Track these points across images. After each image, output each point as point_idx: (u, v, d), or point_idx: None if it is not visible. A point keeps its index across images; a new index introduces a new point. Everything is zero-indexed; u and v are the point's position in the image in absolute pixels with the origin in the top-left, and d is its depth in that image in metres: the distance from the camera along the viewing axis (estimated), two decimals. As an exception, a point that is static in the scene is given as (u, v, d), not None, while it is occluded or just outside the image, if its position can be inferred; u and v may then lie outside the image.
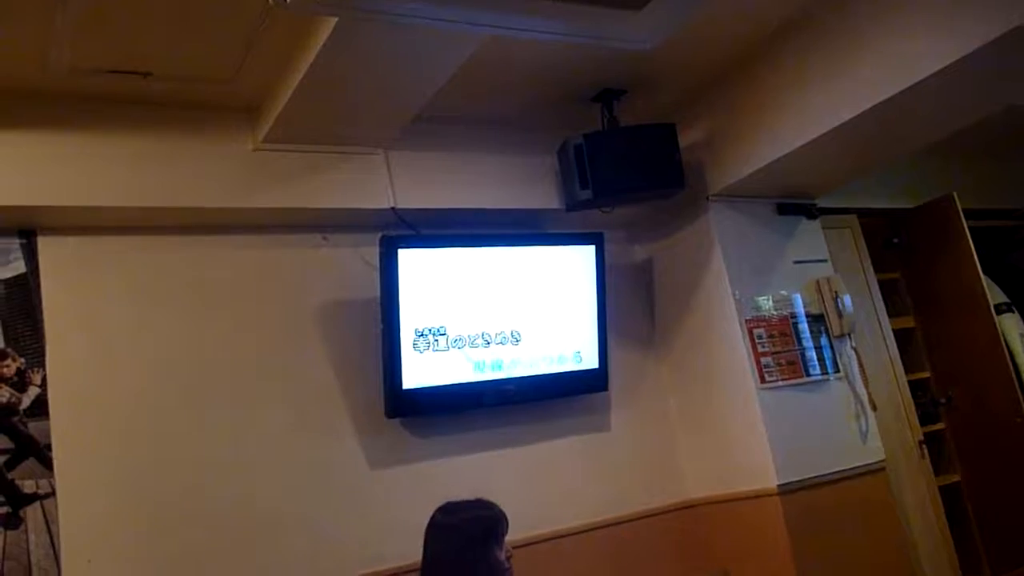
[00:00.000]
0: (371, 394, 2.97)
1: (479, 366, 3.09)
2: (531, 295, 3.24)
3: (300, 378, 2.92)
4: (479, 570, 2.21)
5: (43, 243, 2.65)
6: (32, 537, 2.44)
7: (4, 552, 2.40)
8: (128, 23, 2.29)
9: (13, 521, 2.44)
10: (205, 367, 2.79)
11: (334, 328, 3.02)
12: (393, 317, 2.92)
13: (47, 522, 2.47)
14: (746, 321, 3.43)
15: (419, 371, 2.96)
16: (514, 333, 3.18)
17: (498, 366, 3.13)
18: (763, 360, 3.40)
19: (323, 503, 2.84)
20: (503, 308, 3.17)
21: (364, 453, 2.96)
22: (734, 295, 3.43)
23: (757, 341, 3.42)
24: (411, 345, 2.95)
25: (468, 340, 3.07)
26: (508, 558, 2.26)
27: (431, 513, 2.31)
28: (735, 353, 3.41)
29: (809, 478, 3.33)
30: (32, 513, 2.46)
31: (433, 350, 3.00)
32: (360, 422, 2.97)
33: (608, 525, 3.31)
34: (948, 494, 4.10)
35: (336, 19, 2.18)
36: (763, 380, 3.37)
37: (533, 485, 3.22)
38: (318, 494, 2.84)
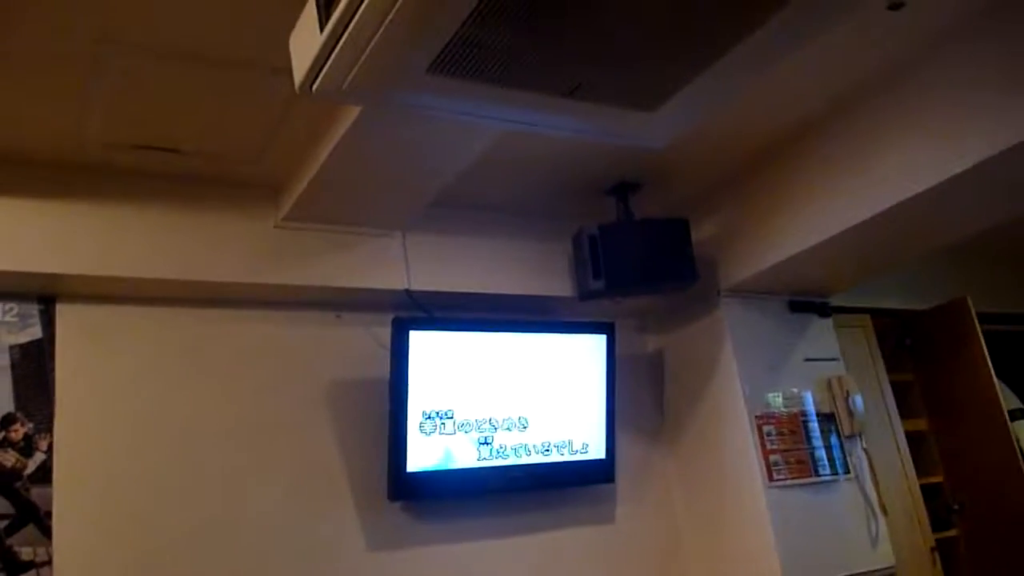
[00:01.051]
0: (374, 474, 2.95)
1: (485, 451, 3.07)
2: (540, 382, 3.24)
3: (307, 454, 2.92)
4: None
5: (61, 310, 2.70)
6: (25, 606, 2.42)
7: (-4, 621, 2.38)
8: (159, 102, 2.38)
9: (7, 589, 2.43)
10: (214, 442, 2.79)
11: (342, 406, 3.03)
12: (401, 398, 2.93)
13: (42, 591, 2.45)
14: (755, 417, 3.41)
15: (424, 454, 2.95)
16: (522, 420, 3.17)
17: (504, 453, 3.11)
18: (771, 458, 3.37)
19: (320, 584, 2.81)
20: (512, 394, 3.16)
21: (364, 534, 2.93)
22: (744, 391, 3.42)
23: (766, 438, 3.39)
24: (418, 427, 2.94)
25: (475, 425, 3.06)
26: None
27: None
28: (744, 449, 3.38)
29: (817, 582, 3.26)
30: (27, 582, 2.45)
31: (440, 433, 2.99)
32: (361, 502, 2.95)
33: (609, 621, 3.25)
34: (961, 605, 4.00)
35: (360, 108, 2.26)
36: (771, 478, 3.33)
37: (535, 573, 3.17)
38: (315, 572, 2.81)
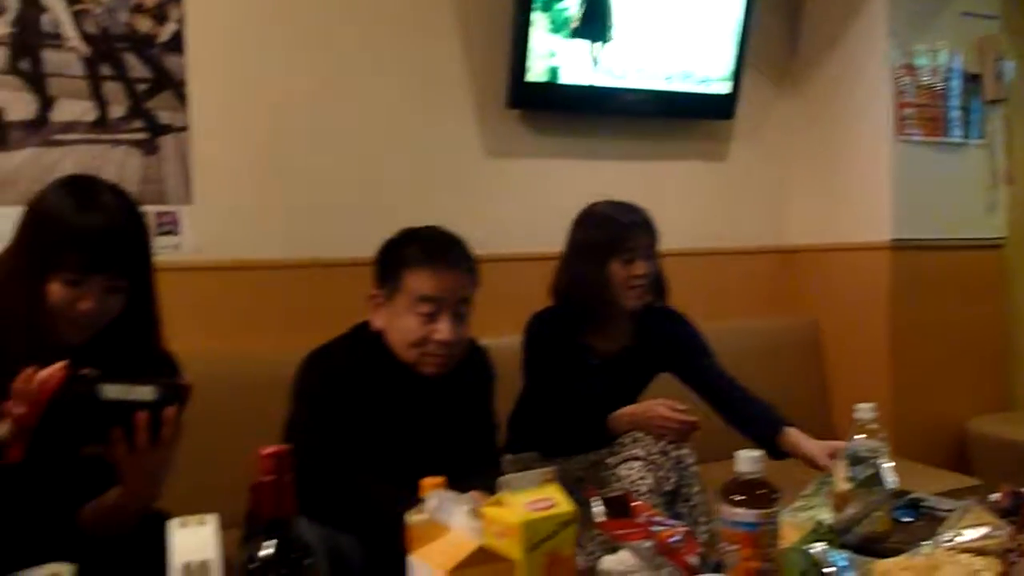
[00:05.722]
0: (495, 81, 2.93)
1: (605, 70, 2.99)
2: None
3: (426, 55, 2.88)
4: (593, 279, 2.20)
5: None
6: (167, 165, 2.59)
7: (144, 175, 2.56)
8: None
9: (150, 147, 2.58)
10: (336, 33, 2.77)
11: (465, 5, 2.93)
12: (526, 4, 2.82)
13: (181, 152, 2.60)
14: (895, 67, 3.20)
15: (546, 64, 2.90)
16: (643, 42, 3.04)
17: (624, 74, 3.03)
18: (905, 111, 3.21)
19: (436, 181, 2.89)
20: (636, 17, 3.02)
21: (482, 139, 2.96)
22: (888, 38, 3.18)
23: (903, 89, 3.21)
24: (542, 33, 2.86)
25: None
26: (633, 276, 2.19)
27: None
28: (877, 98, 3.22)
29: (924, 239, 3.25)
30: (166, 142, 2.59)
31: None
32: (481, 107, 2.95)
33: (706, 254, 3.32)
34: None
35: None
36: (900, 131, 3.20)
37: (641, 201, 3.20)
38: (432, 170, 2.90)
